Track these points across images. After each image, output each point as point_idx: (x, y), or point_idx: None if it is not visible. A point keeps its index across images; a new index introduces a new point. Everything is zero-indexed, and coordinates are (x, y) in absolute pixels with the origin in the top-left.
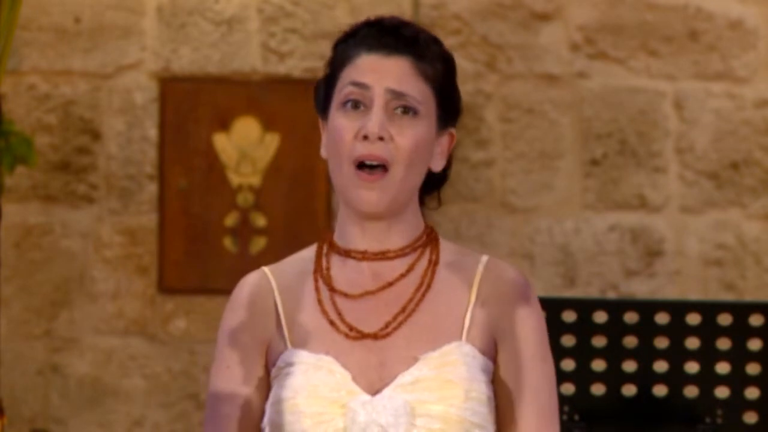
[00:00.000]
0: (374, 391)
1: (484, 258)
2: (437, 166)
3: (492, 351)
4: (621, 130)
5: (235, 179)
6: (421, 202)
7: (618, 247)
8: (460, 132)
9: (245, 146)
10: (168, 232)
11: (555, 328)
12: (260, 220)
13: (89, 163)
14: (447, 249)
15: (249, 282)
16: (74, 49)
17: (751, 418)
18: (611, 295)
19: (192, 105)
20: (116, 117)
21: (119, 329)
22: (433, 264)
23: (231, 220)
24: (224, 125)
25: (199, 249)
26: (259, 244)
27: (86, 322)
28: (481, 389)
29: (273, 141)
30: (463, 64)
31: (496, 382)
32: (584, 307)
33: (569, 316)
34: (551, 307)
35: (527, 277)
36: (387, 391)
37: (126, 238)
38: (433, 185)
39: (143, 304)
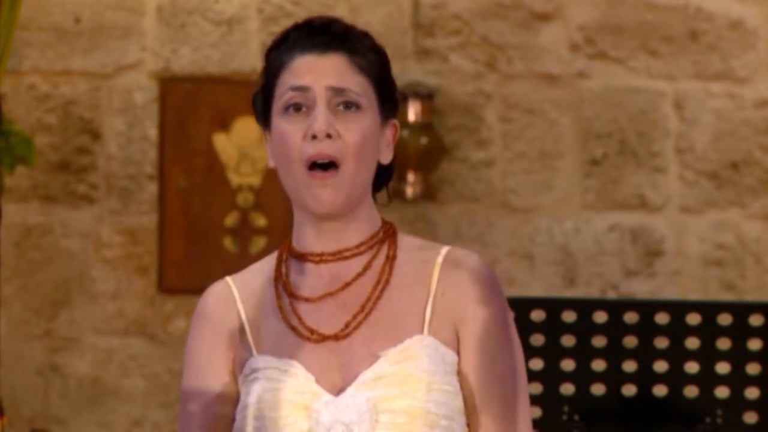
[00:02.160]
0: (338, 392)
1: (444, 249)
2: (385, 158)
3: (455, 342)
4: (621, 130)
5: (235, 179)
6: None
7: (618, 247)
8: (460, 132)
9: (245, 146)
10: (168, 232)
11: (555, 328)
12: (260, 220)
13: (89, 163)
14: (406, 243)
15: (213, 292)
16: (74, 49)
17: (751, 418)
18: (611, 295)
19: (192, 105)
20: (116, 117)
21: (119, 329)
22: (391, 259)
23: (231, 220)
24: (224, 125)
25: (199, 249)
26: (259, 244)
27: (86, 322)
28: (444, 381)
29: None
30: (463, 64)
31: (460, 372)
32: (584, 307)
33: (569, 316)
34: (551, 307)
35: (489, 265)
36: (350, 390)
37: (126, 238)
38: (381, 180)
39: (143, 304)
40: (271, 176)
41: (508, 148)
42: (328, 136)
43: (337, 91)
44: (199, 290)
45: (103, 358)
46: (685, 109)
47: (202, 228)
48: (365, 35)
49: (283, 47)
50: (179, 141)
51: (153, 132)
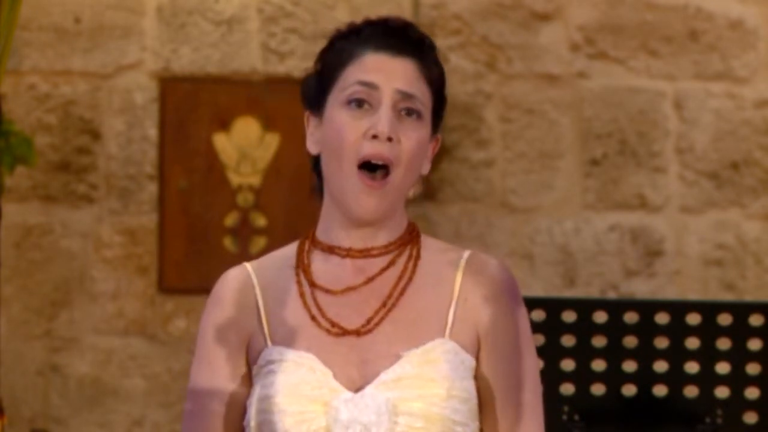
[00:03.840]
0: (356, 389)
1: (467, 253)
2: (425, 169)
3: (475, 347)
4: (621, 130)
5: (235, 179)
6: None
7: (618, 247)
8: (460, 132)
9: (245, 146)
10: (168, 232)
11: (555, 328)
12: (260, 220)
13: (89, 163)
14: (429, 245)
15: (230, 277)
16: (74, 49)
17: (751, 418)
18: (611, 295)
19: (192, 105)
20: (116, 117)
21: (119, 329)
22: (414, 258)
23: (231, 220)
24: (224, 125)
25: (199, 249)
26: (259, 244)
27: (86, 322)
28: (463, 387)
29: (273, 141)
30: (463, 64)
31: (478, 377)
32: (584, 307)
33: (569, 316)
34: (551, 307)
35: (511, 272)
36: (369, 389)
37: (126, 238)
38: None
39: (143, 304)
40: (271, 176)
41: (508, 148)
42: (389, 139)
43: (405, 95)
44: (199, 290)
45: (103, 358)
46: (685, 109)
47: (202, 228)
48: (433, 47)
49: (354, 40)
50: (179, 141)
51: (153, 132)
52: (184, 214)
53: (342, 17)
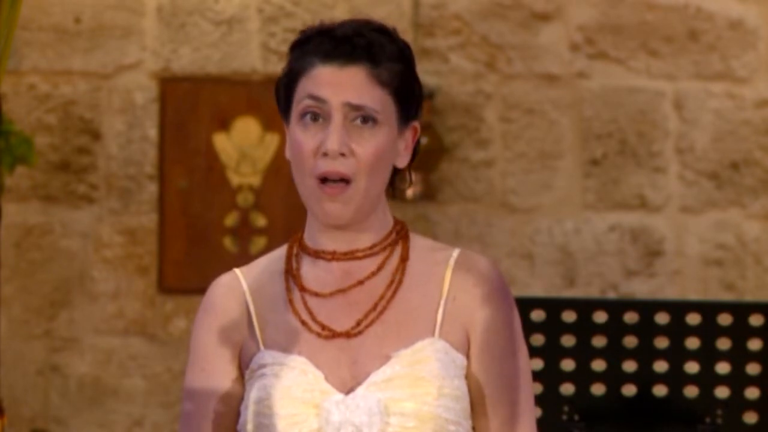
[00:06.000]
0: (347, 390)
1: (456, 252)
2: (402, 162)
3: (465, 345)
4: (621, 130)
5: (235, 179)
6: (393, 191)
7: (618, 247)
8: (460, 132)
9: (245, 146)
10: (168, 232)
11: (555, 328)
12: (260, 220)
13: (89, 163)
14: (418, 244)
15: (221, 284)
16: (74, 49)
17: (751, 418)
18: (611, 295)
19: (192, 105)
20: (116, 117)
21: (119, 329)
22: (404, 261)
23: (231, 220)
24: (224, 125)
25: (199, 249)
26: (259, 244)
27: (86, 322)
28: (454, 385)
29: (273, 141)
30: (463, 64)
31: (468, 376)
32: (584, 307)
33: (569, 316)
34: (551, 307)
35: (500, 270)
36: (360, 390)
37: (126, 238)
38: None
39: (143, 304)
40: (271, 176)
41: (508, 148)
42: (341, 154)
43: (354, 107)
44: (199, 290)
45: (103, 358)
46: (685, 109)
47: (202, 228)
48: (389, 41)
49: (306, 49)
50: (179, 141)
51: (153, 132)
52: (184, 214)
53: (342, 17)
